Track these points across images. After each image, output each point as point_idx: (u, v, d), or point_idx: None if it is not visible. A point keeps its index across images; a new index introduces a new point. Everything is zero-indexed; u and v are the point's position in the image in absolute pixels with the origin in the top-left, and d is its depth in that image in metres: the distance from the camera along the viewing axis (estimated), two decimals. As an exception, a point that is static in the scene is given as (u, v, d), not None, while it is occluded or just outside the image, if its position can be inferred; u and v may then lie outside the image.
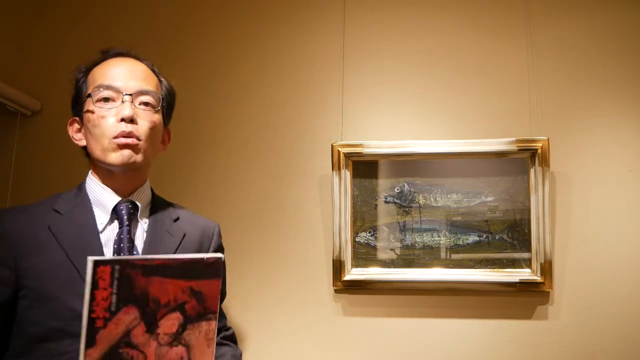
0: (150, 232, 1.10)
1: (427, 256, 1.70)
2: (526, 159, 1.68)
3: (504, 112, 1.76)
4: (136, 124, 1.05)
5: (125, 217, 1.07)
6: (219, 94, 1.88)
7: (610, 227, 1.66)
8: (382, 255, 1.72)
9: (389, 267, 1.71)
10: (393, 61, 1.83)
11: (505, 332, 1.65)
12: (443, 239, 1.70)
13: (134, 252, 1.06)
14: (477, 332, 1.66)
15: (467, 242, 1.70)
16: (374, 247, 1.73)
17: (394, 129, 1.79)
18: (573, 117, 1.73)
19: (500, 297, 1.67)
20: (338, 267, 1.69)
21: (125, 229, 1.07)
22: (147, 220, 1.12)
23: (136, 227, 1.10)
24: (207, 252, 1.18)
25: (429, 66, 1.82)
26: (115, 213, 1.08)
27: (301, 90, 1.86)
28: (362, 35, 1.86)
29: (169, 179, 1.81)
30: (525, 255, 1.66)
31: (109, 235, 1.07)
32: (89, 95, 1.07)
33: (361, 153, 1.72)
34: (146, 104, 1.08)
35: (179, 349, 0.85)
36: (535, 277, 1.62)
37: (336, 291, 1.72)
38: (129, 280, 0.81)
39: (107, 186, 1.10)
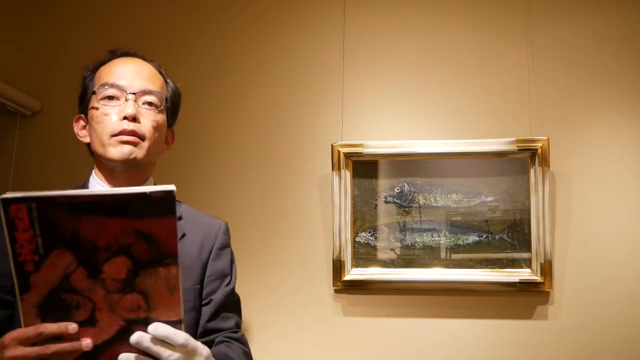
0: None
1: (427, 256, 1.70)
2: (526, 159, 1.68)
3: (504, 112, 1.76)
4: (139, 122, 1.05)
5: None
6: (219, 94, 1.88)
7: (610, 227, 1.66)
8: (382, 255, 1.72)
9: (389, 267, 1.71)
10: (393, 61, 1.83)
11: (505, 332, 1.65)
12: (443, 239, 1.70)
13: None
14: (477, 332, 1.66)
15: (467, 242, 1.70)
16: (374, 247, 1.73)
17: (394, 129, 1.79)
18: (573, 117, 1.73)
19: (500, 297, 1.67)
20: (338, 267, 1.69)
21: None
22: None
23: None
24: (210, 252, 1.12)
25: (429, 66, 1.82)
26: None
27: (301, 90, 1.86)
28: (362, 35, 1.86)
29: (169, 179, 1.80)
30: (525, 255, 1.66)
31: None
32: (94, 93, 1.08)
33: (361, 153, 1.72)
34: (150, 103, 1.08)
35: (134, 297, 0.74)
36: (535, 277, 1.62)
37: (336, 291, 1.72)
38: (52, 219, 0.71)
39: (109, 184, 1.09)
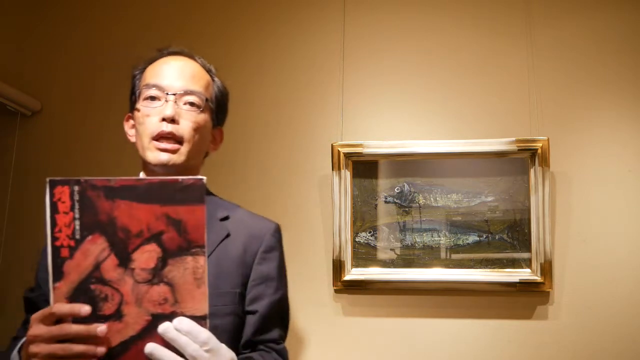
0: None
1: (427, 256, 1.70)
2: (526, 159, 1.68)
3: (504, 112, 1.76)
4: (178, 124, 1.03)
5: None
6: (219, 94, 1.88)
7: (610, 227, 1.66)
8: (382, 255, 1.72)
9: (389, 267, 1.71)
10: (393, 61, 1.83)
11: (505, 332, 1.65)
12: (443, 239, 1.70)
13: None
14: (477, 332, 1.66)
15: (467, 242, 1.70)
16: (374, 247, 1.73)
17: (394, 129, 1.79)
18: (573, 117, 1.73)
19: (500, 297, 1.67)
20: (338, 267, 1.69)
21: None
22: None
23: None
24: (256, 254, 1.05)
25: (429, 66, 1.82)
26: None
27: (301, 90, 1.86)
28: (362, 35, 1.86)
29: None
30: (525, 255, 1.66)
31: None
32: (138, 93, 1.07)
33: (361, 153, 1.72)
34: (191, 104, 1.05)
35: (161, 288, 0.74)
36: (535, 277, 1.62)
37: (336, 291, 1.72)
38: (91, 203, 0.73)
39: None
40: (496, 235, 1.68)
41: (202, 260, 0.74)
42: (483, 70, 1.79)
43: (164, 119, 1.01)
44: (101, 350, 0.73)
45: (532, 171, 1.66)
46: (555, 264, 1.65)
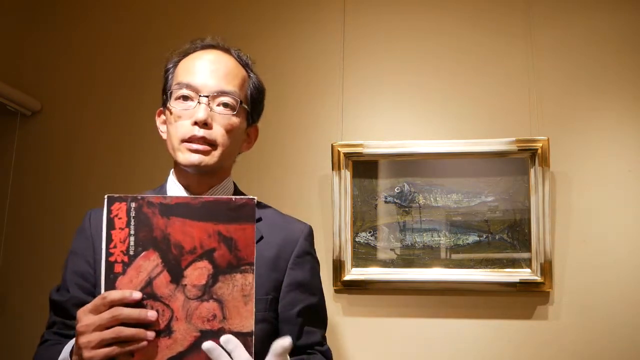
0: None
1: (427, 256, 1.70)
2: (526, 159, 1.68)
3: (504, 112, 1.76)
4: (210, 128, 0.99)
5: None
6: (219, 94, 1.88)
7: (610, 227, 1.66)
8: (382, 255, 1.72)
9: (389, 267, 1.71)
10: (393, 61, 1.83)
11: (505, 332, 1.65)
12: (443, 239, 1.70)
13: None
14: (477, 332, 1.66)
15: (467, 242, 1.70)
16: (374, 247, 1.73)
17: (394, 129, 1.79)
18: (573, 117, 1.73)
19: (500, 297, 1.67)
20: (338, 267, 1.69)
21: None
22: None
23: None
24: (289, 259, 1.04)
25: (429, 66, 1.82)
26: None
27: (301, 90, 1.86)
28: (362, 35, 1.86)
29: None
30: (525, 255, 1.66)
31: None
32: (171, 91, 1.04)
33: (361, 153, 1.72)
34: (225, 105, 1.02)
35: (210, 305, 0.76)
36: (535, 277, 1.62)
37: (336, 291, 1.72)
38: (146, 219, 0.76)
39: (183, 184, 1.05)
40: (496, 235, 1.68)
41: (250, 278, 0.77)
42: (483, 70, 1.79)
43: (196, 123, 0.98)
44: (151, 334, 0.75)
45: (532, 171, 1.66)
46: (555, 264, 1.65)
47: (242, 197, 0.79)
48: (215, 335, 0.76)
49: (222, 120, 1.01)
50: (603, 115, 1.72)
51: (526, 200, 1.67)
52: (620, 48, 1.74)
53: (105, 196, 0.76)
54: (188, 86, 1.01)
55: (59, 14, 2.01)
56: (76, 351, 0.77)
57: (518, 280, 1.63)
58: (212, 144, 1.00)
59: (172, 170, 1.09)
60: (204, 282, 0.76)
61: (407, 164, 1.74)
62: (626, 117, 1.71)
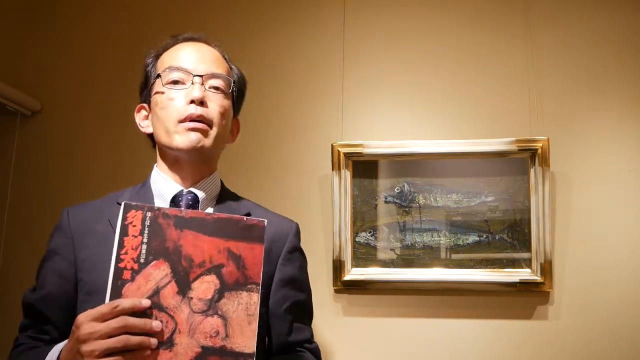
0: None
1: (427, 256, 1.70)
2: (526, 159, 1.68)
3: (504, 112, 1.76)
4: (206, 107, 0.98)
5: (184, 208, 0.99)
6: (219, 94, 1.88)
7: (610, 227, 1.66)
8: (382, 255, 1.72)
9: (389, 267, 1.71)
10: (393, 61, 1.83)
11: (505, 332, 1.65)
12: (443, 239, 1.70)
13: None
14: (477, 332, 1.66)
15: (467, 242, 1.70)
16: (374, 247, 1.73)
17: (394, 129, 1.79)
18: (573, 117, 1.73)
19: (500, 297, 1.67)
20: (338, 267, 1.69)
21: None
22: None
23: None
24: (279, 255, 1.05)
25: (429, 66, 1.82)
26: (174, 204, 1.00)
27: (301, 90, 1.86)
28: (362, 35, 1.86)
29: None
30: (525, 255, 1.66)
31: None
32: (158, 76, 1.02)
33: (361, 153, 1.72)
34: (216, 88, 1.02)
35: (214, 321, 0.77)
36: (535, 277, 1.62)
37: (336, 291, 1.72)
38: (160, 230, 0.77)
39: (170, 176, 1.03)
40: (496, 235, 1.68)
41: (255, 298, 0.79)
42: (483, 70, 1.79)
43: (192, 102, 0.97)
44: (154, 341, 0.75)
45: (532, 171, 1.66)
46: (555, 264, 1.65)
47: (253, 218, 0.81)
48: (216, 352, 0.76)
49: (216, 101, 1.01)
50: (603, 115, 1.72)
51: (526, 200, 1.67)
52: (620, 48, 1.74)
53: (123, 203, 0.76)
54: (180, 69, 1.00)
55: (59, 14, 2.01)
56: (72, 358, 0.76)
57: (518, 280, 1.63)
58: (209, 123, 0.99)
59: (155, 165, 1.07)
60: (210, 296, 0.77)
61: (407, 164, 1.74)
62: (626, 117, 1.71)
